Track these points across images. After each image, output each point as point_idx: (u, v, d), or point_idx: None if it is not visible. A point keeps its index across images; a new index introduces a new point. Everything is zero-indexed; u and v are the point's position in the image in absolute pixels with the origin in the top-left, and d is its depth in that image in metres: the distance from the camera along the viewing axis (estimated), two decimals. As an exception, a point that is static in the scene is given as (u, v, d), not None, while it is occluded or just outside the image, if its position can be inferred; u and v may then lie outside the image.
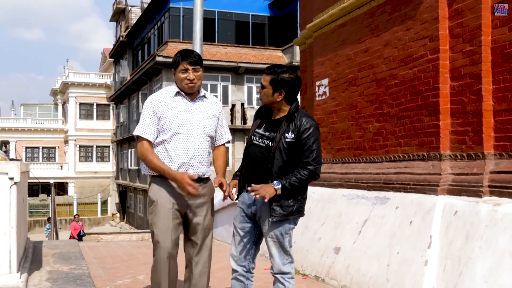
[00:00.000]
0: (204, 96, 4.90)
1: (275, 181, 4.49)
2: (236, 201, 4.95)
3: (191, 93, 4.80)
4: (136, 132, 4.74)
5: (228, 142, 5.17)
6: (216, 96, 34.00)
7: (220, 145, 5.07)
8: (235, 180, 4.95)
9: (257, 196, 4.48)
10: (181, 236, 4.93)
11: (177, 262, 4.80)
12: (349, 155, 8.88)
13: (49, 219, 34.55)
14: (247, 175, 4.78)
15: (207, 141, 4.81)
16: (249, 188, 4.56)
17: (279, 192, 4.49)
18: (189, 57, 4.70)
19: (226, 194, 4.75)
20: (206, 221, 4.84)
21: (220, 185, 4.73)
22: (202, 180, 4.78)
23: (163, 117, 4.68)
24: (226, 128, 5.11)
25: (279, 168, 4.53)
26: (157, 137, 4.73)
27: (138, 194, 43.19)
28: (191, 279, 4.87)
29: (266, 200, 4.46)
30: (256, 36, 36.59)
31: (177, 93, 4.78)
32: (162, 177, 4.71)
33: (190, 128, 4.70)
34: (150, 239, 4.98)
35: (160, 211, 4.70)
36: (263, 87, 4.65)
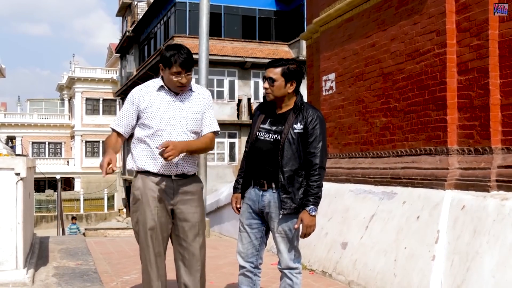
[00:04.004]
0: (191, 89, 4.65)
1: (308, 209, 4.49)
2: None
3: None
4: (110, 124, 4.63)
5: (216, 133, 4.79)
6: (222, 91, 34.03)
7: (207, 134, 4.70)
8: (236, 194, 4.91)
9: (311, 231, 4.55)
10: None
11: (165, 260, 4.64)
12: (356, 150, 8.86)
13: (73, 218, 34.66)
14: (254, 172, 4.74)
15: (191, 138, 4.58)
16: (301, 236, 4.60)
17: (316, 214, 4.54)
18: (185, 60, 4.41)
19: (160, 150, 4.27)
20: (194, 218, 4.64)
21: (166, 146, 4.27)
22: (187, 177, 4.62)
23: (144, 112, 4.49)
24: (213, 119, 4.78)
25: (289, 159, 4.51)
26: (136, 131, 4.58)
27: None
28: (184, 278, 4.67)
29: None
30: (262, 30, 36.52)
31: (161, 87, 4.58)
32: (146, 173, 4.55)
33: (173, 124, 4.49)
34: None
35: (145, 208, 4.51)
36: (273, 80, 4.57)
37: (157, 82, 4.62)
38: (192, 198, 4.66)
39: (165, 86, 4.57)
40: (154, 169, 4.53)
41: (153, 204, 4.51)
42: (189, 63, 4.46)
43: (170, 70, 4.42)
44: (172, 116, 4.52)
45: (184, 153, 4.50)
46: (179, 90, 4.55)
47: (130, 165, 4.67)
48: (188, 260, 4.64)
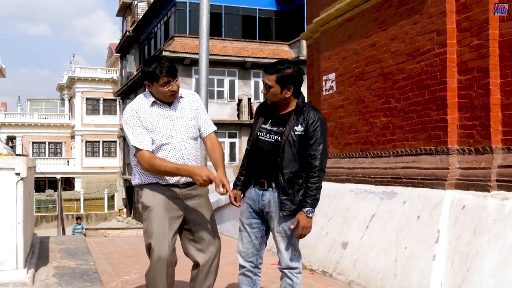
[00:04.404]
0: (180, 96, 4.67)
1: (306, 210, 4.47)
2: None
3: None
4: (133, 143, 4.49)
5: (215, 132, 4.87)
6: (222, 91, 34.03)
7: (209, 135, 4.80)
8: (236, 191, 4.86)
9: (307, 232, 4.54)
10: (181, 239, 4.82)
11: (174, 267, 4.62)
12: (356, 150, 8.86)
13: (78, 218, 34.63)
14: (255, 171, 4.74)
15: (193, 145, 4.66)
16: (296, 236, 4.58)
17: (313, 216, 4.53)
18: (169, 68, 4.44)
19: (227, 193, 4.53)
20: (206, 220, 4.72)
21: (223, 186, 4.47)
22: (193, 184, 4.60)
23: (146, 129, 4.50)
24: (208, 119, 4.84)
25: (289, 161, 4.50)
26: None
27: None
28: (197, 279, 4.75)
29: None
30: (262, 30, 36.53)
31: (154, 103, 4.56)
32: (154, 183, 4.57)
33: (174, 136, 4.53)
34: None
35: (155, 217, 4.51)
36: (269, 87, 4.54)
37: (147, 98, 4.62)
38: (200, 201, 4.71)
39: (157, 101, 4.58)
40: (162, 182, 4.57)
41: (162, 212, 4.53)
42: (174, 69, 4.51)
43: (159, 82, 4.45)
44: (172, 129, 4.56)
45: (190, 161, 4.61)
46: (172, 99, 4.58)
47: (134, 181, 4.71)
48: (205, 263, 4.73)
